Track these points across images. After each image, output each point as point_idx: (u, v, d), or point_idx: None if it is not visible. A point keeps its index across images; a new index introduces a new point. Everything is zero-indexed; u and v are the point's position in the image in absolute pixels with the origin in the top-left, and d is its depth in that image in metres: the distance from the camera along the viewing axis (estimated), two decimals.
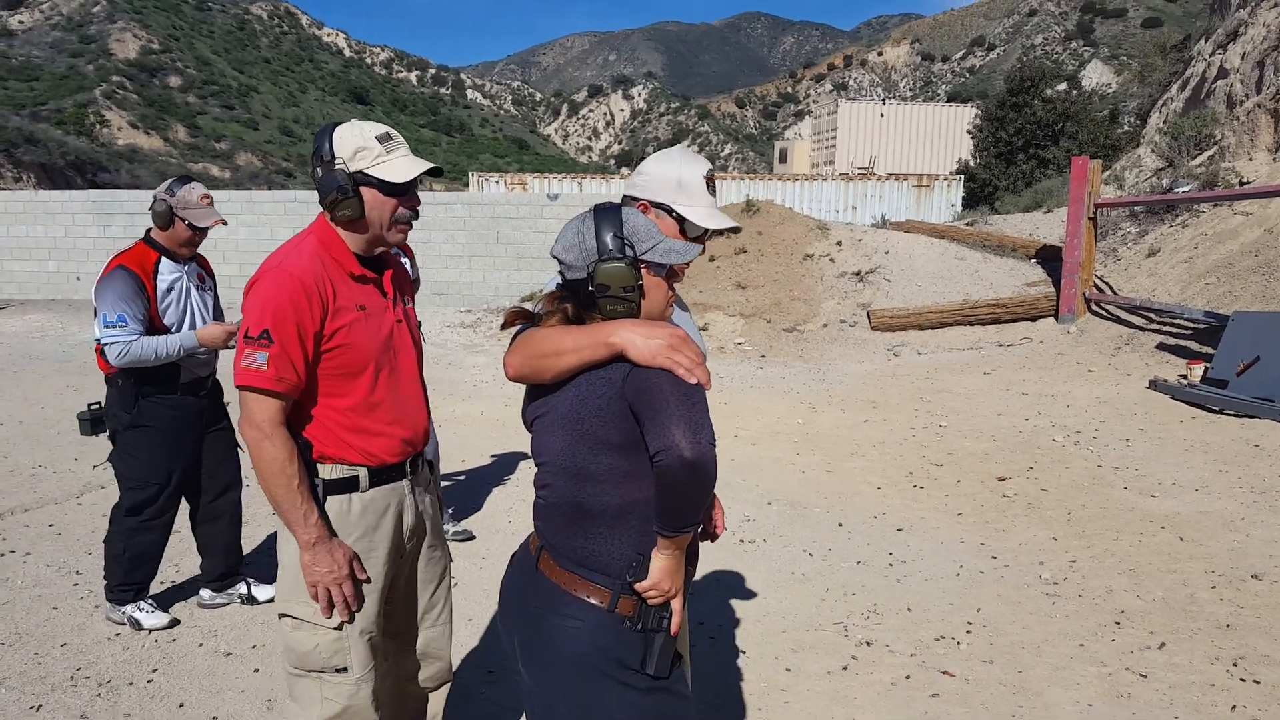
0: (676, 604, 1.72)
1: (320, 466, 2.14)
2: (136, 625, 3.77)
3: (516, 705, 3.15)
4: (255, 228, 15.31)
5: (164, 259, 3.67)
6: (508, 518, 5.19)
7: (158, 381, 3.63)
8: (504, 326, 1.83)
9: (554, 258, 1.75)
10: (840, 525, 5.05)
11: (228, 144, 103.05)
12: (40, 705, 3.17)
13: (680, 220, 2.11)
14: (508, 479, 5.96)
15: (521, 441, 6.78)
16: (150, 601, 3.84)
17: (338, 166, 2.08)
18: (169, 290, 3.66)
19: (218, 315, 3.89)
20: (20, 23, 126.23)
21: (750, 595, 4.12)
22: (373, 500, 2.19)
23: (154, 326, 3.59)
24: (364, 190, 2.09)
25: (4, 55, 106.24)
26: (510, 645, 1.86)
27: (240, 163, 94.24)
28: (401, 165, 2.11)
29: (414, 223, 2.23)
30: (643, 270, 1.72)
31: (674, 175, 2.11)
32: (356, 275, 2.16)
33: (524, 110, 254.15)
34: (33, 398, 8.45)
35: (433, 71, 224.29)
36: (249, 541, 4.49)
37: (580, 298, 1.73)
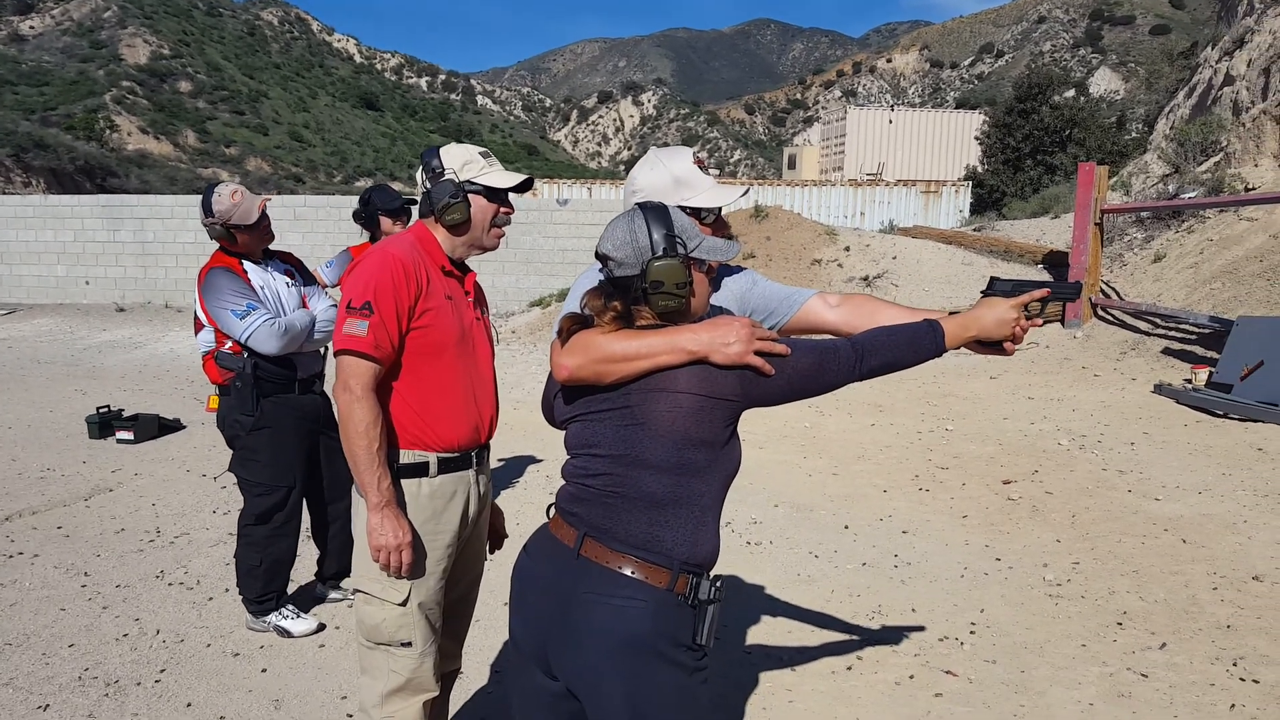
0: None
1: (397, 451, 2.32)
2: (285, 634, 3.74)
3: None
4: None
5: (245, 261, 3.66)
6: (515, 520, 5.20)
7: (276, 380, 3.61)
8: (564, 336, 1.82)
9: (601, 255, 1.79)
10: (846, 528, 5.06)
11: (237, 149, 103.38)
12: (48, 705, 3.20)
13: (695, 213, 2.11)
14: (515, 482, 5.98)
15: (529, 445, 6.81)
16: (291, 607, 3.82)
17: (447, 177, 2.35)
18: (261, 289, 3.62)
19: None
20: (31, 28, 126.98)
21: (756, 596, 4.15)
22: (440, 486, 2.36)
23: None
24: (471, 197, 2.37)
25: (15, 60, 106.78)
26: (529, 637, 1.86)
27: (250, 168, 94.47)
28: (502, 175, 2.41)
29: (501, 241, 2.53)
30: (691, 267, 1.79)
31: (667, 175, 2.12)
32: (446, 270, 2.41)
33: (534, 116, 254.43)
34: (41, 401, 8.51)
35: (443, 77, 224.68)
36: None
37: (629, 294, 1.78)
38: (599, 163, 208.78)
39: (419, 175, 2.43)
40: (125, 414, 7.35)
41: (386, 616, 2.31)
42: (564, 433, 1.93)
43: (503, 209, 2.45)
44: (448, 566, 2.41)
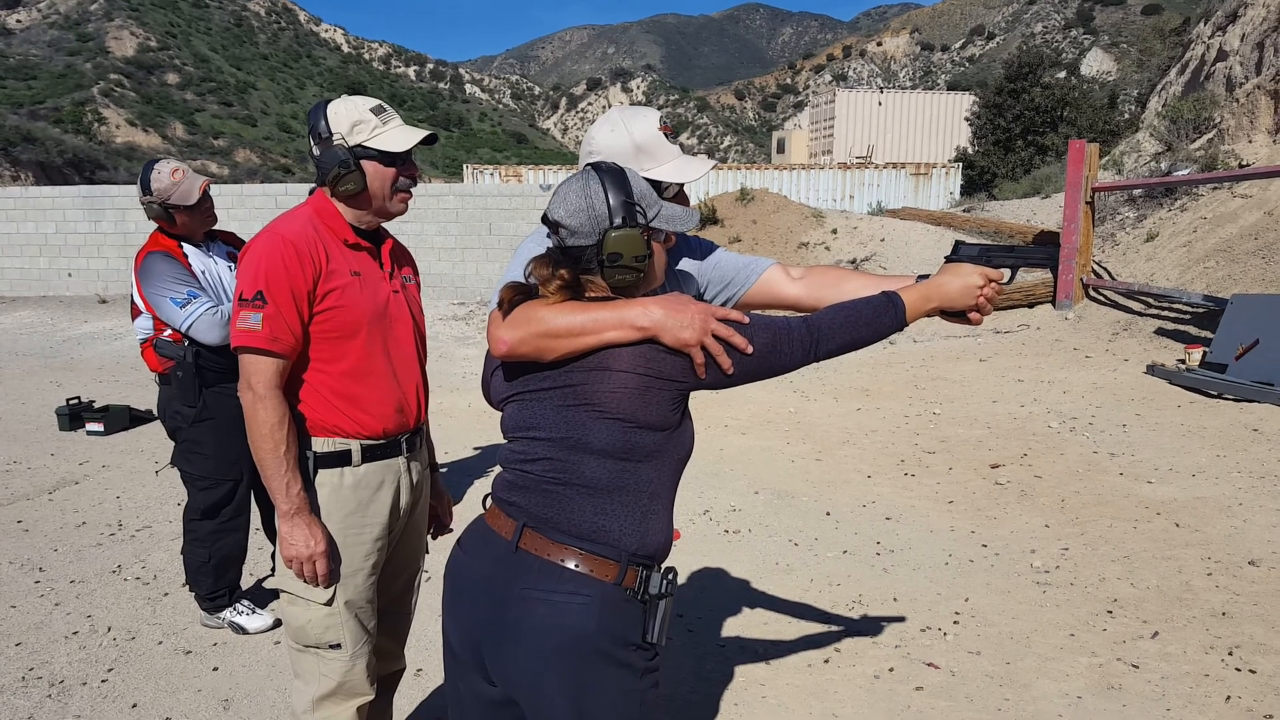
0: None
1: (314, 440, 2.14)
2: (240, 630, 3.59)
3: None
4: (247, 222, 15.17)
5: (184, 244, 3.46)
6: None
7: (219, 370, 3.38)
8: (505, 307, 1.66)
9: (551, 222, 1.64)
10: (828, 514, 4.92)
11: (226, 141, 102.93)
12: None
13: (654, 184, 1.89)
14: (490, 470, 5.83)
15: None
16: (247, 602, 3.67)
17: (336, 142, 2.11)
18: (202, 274, 3.43)
19: None
20: (18, 21, 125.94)
21: (732, 587, 4.00)
22: (366, 475, 2.18)
23: None
24: (365, 164, 2.13)
25: (1, 54, 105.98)
26: (463, 639, 1.71)
27: (239, 159, 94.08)
28: (399, 135, 2.15)
29: (409, 203, 2.28)
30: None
31: (627, 140, 1.88)
32: (351, 243, 2.19)
33: (523, 104, 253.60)
34: (14, 394, 8.34)
35: (431, 66, 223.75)
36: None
37: (580, 264, 1.63)
38: None
39: (309, 139, 2.17)
40: (97, 405, 7.18)
41: (312, 617, 2.15)
42: (500, 414, 1.77)
43: (403, 173, 2.19)
44: (378, 561, 2.23)
